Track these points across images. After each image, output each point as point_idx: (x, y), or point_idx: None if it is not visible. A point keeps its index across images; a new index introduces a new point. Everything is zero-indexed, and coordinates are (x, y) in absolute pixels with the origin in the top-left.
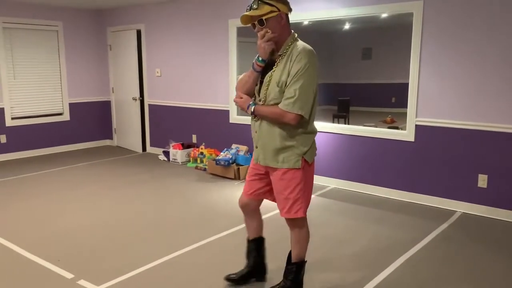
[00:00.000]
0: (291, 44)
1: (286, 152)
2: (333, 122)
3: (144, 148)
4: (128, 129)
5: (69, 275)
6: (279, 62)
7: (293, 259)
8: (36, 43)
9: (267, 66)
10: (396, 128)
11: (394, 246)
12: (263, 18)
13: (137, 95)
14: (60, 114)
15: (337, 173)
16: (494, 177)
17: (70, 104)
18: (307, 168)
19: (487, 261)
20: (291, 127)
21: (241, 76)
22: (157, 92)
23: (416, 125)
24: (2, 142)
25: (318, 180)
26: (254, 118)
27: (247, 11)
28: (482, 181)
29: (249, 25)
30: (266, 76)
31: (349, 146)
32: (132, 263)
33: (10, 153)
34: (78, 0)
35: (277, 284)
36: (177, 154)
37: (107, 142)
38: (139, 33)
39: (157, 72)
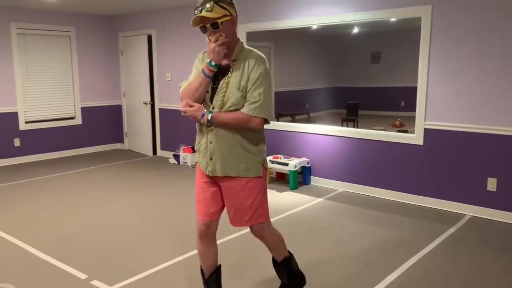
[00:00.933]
0: (242, 49)
1: (247, 161)
2: (342, 125)
3: (154, 152)
4: (139, 132)
5: (82, 276)
6: (234, 67)
7: (278, 260)
8: (49, 48)
9: (217, 72)
10: (405, 131)
11: (402, 249)
12: (218, 21)
13: (148, 99)
14: (72, 118)
15: (345, 176)
16: (503, 181)
17: (82, 108)
18: (265, 174)
19: (496, 264)
20: (251, 134)
21: (185, 84)
22: (168, 96)
23: (424, 129)
24: (15, 145)
25: (326, 183)
26: (209, 127)
27: (197, 12)
28: (491, 184)
29: (198, 26)
30: (222, 81)
31: (357, 149)
32: (144, 264)
33: (23, 156)
34: (90, 6)
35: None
36: (187, 157)
37: (118, 145)
38: (150, 38)
39: (168, 76)
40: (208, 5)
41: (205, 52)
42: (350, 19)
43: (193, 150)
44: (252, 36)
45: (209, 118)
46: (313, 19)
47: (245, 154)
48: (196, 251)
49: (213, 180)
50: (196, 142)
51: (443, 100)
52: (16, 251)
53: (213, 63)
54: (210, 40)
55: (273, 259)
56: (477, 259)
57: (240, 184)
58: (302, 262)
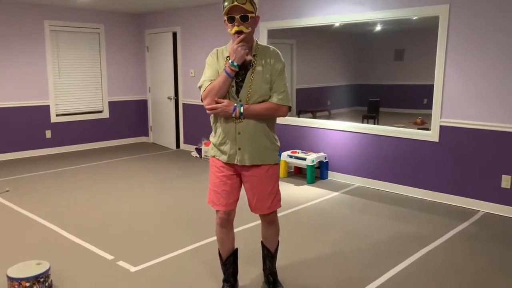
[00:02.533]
0: (257, 45)
1: (269, 149)
2: (363, 122)
3: (178, 145)
4: (163, 126)
5: (109, 257)
6: (255, 62)
7: (273, 250)
8: (79, 44)
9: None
10: (427, 129)
11: (414, 242)
12: (249, 15)
13: (172, 94)
14: (100, 111)
15: (362, 171)
16: None
17: (110, 102)
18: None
19: (508, 258)
20: (271, 123)
21: (206, 83)
22: (191, 91)
23: (440, 126)
24: (47, 137)
25: (343, 178)
26: (239, 119)
27: (231, 2)
28: (506, 181)
29: (227, 16)
30: (248, 76)
31: (374, 145)
32: (165, 248)
33: (54, 148)
34: (119, 5)
35: (275, 281)
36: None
37: (143, 139)
38: (175, 35)
39: (191, 72)
40: None
41: (218, 50)
42: (370, 17)
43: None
44: (274, 34)
45: (241, 110)
46: (334, 17)
47: (267, 143)
48: (212, 238)
49: (233, 172)
50: (218, 136)
51: (459, 98)
52: (49, 234)
53: (235, 64)
54: (233, 34)
55: (265, 258)
56: (488, 253)
57: (263, 171)
58: (318, 251)
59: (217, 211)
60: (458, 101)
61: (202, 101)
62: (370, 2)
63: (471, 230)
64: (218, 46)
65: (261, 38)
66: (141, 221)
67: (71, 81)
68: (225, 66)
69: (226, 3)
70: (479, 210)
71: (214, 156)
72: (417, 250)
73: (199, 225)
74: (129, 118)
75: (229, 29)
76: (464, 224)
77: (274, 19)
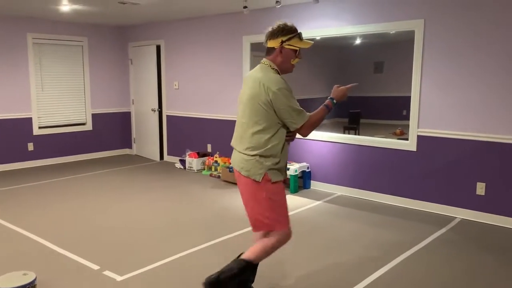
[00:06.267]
0: None
1: None
2: (344, 134)
3: (161, 157)
4: (146, 138)
5: (95, 267)
6: None
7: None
8: (62, 57)
9: None
10: (406, 140)
11: (393, 247)
12: None
13: (156, 106)
14: (83, 124)
15: (343, 181)
16: (492, 185)
17: (93, 115)
18: None
19: (484, 263)
20: None
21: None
22: (175, 103)
23: (418, 136)
24: (29, 149)
25: (325, 187)
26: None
27: (301, 37)
28: (480, 188)
29: (301, 49)
30: None
31: (355, 155)
32: (151, 258)
33: (37, 160)
34: (102, 18)
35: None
36: (193, 162)
37: (126, 151)
38: (158, 48)
39: (175, 85)
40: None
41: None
42: (348, 32)
43: (199, 156)
44: (256, 47)
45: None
46: (314, 31)
47: None
48: (197, 248)
49: None
50: (282, 159)
51: (435, 109)
52: (33, 245)
53: (336, 102)
54: (293, 64)
55: (252, 264)
56: (465, 257)
57: None
58: (302, 257)
59: (288, 230)
60: (435, 111)
61: (298, 129)
62: (348, 17)
63: (448, 236)
64: (201, 59)
65: (244, 51)
66: (126, 232)
67: (54, 94)
68: (326, 103)
69: (305, 45)
70: (456, 217)
71: (278, 181)
72: (397, 255)
73: (183, 235)
74: (113, 130)
75: (293, 59)
76: (442, 230)
77: (257, 33)
